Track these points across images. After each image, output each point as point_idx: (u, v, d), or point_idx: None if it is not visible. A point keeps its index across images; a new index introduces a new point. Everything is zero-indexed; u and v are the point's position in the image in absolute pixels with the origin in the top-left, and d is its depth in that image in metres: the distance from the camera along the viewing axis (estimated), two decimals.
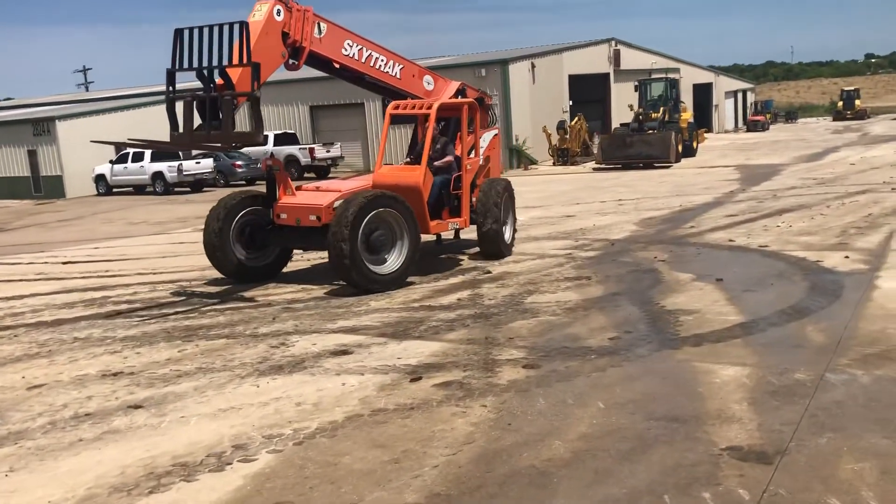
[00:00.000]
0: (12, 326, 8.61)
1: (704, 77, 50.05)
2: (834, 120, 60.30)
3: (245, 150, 32.40)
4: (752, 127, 52.17)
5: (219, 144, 9.57)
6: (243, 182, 30.34)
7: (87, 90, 51.25)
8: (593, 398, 5.36)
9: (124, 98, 38.10)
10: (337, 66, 10.74)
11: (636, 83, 31.47)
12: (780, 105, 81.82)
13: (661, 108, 29.38)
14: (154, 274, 11.67)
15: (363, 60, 11.00)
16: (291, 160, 31.40)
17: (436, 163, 11.00)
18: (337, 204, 9.87)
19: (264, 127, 11.22)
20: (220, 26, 8.88)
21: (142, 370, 6.59)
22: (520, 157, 31.12)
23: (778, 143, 36.60)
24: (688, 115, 31.79)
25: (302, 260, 11.96)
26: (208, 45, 8.96)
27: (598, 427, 4.83)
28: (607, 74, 38.13)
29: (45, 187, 31.77)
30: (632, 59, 39.41)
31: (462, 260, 11.45)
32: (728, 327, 7.02)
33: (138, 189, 30.07)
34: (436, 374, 6.06)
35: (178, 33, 9.02)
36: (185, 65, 9.17)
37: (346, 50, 10.72)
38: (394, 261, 9.72)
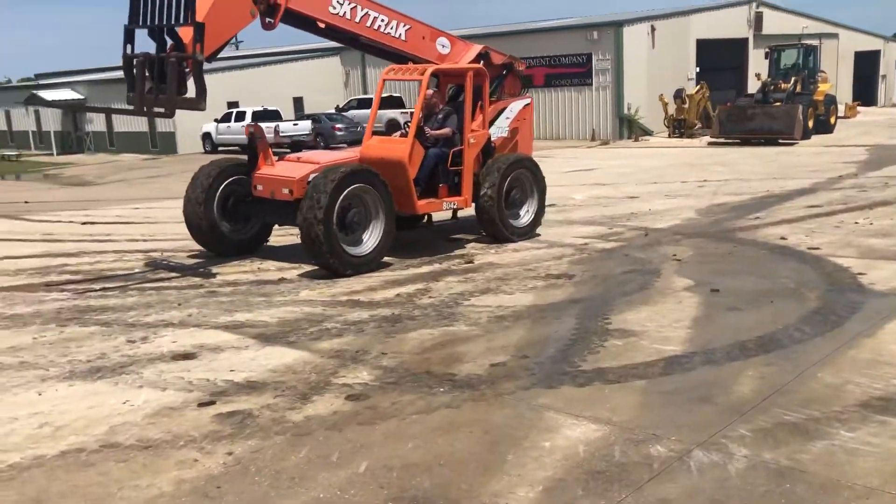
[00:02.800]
0: None
1: (870, 44, 44.59)
2: None
3: (348, 112, 32.05)
4: None
5: (163, 110, 8.79)
6: (344, 145, 30.06)
7: (237, 49, 52.94)
8: (366, 457, 4.15)
9: (245, 58, 38.85)
10: (322, 25, 9.77)
11: (766, 49, 28.16)
12: None
13: (793, 78, 26.11)
14: (147, 241, 11.30)
15: (357, 20, 9.94)
16: (393, 124, 30.76)
17: (429, 133, 9.82)
18: (312, 177, 8.97)
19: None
20: None
21: None
22: (631, 128, 28.89)
23: None
24: (826, 87, 28.04)
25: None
26: (166, 1, 8.18)
27: None
28: (745, 40, 34.53)
29: (161, 143, 33.04)
30: (777, 23, 35.45)
31: (467, 243, 10.27)
32: (650, 361, 5.51)
33: (243, 148, 30.40)
34: (236, 399, 5.04)
35: None
36: (142, 22, 8.46)
37: (334, 8, 9.69)
38: (369, 241, 8.89)
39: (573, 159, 23.18)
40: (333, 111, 32.80)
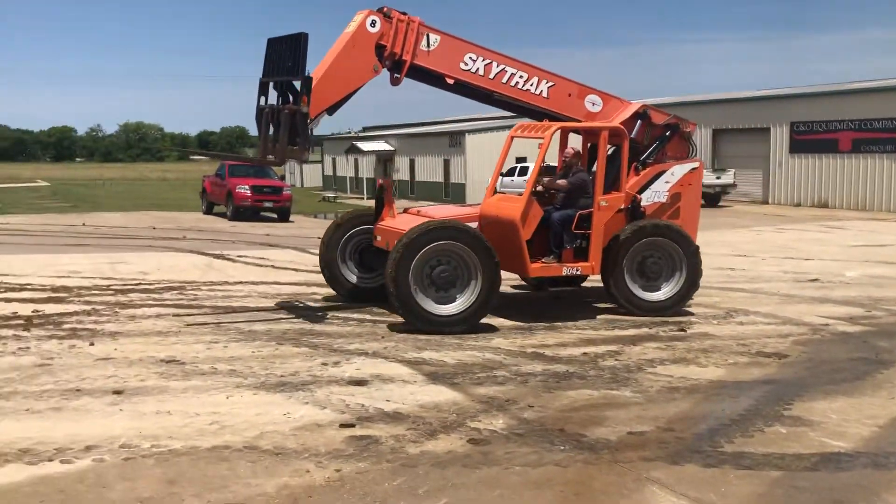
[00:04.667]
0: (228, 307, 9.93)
1: None
2: None
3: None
4: None
5: (273, 158, 9.11)
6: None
7: None
8: (449, 495, 4.34)
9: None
10: (451, 81, 9.76)
11: None
12: None
13: None
14: None
15: (491, 76, 9.82)
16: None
17: (544, 184, 9.70)
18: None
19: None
20: (294, 37, 8.63)
21: (198, 361, 7.15)
22: None
23: None
24: None
25: None
26: (292, 55, 8.70)
27: None
28: None
29: (452, 193, 35.51)
30: None
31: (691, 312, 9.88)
32: (803, 454, 5.02)
33: None
34: (373, 426, 5.48)
35: (269, 43, 8.99)
36: (271, 76, 9.09)
37: (466, 64, 9.68)
38: (463, 301, 8.63)
39: (870, 232, 20.97)
40: None
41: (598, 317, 9.45)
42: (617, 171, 9.81)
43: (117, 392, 6.17)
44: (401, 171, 39.39)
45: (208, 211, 27.33)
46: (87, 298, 10.19)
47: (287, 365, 7.10)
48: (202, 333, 8.31)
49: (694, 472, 4.74)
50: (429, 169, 37.73)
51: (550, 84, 10.03)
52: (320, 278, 10.66)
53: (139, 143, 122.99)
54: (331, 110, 9.14)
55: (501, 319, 9.18)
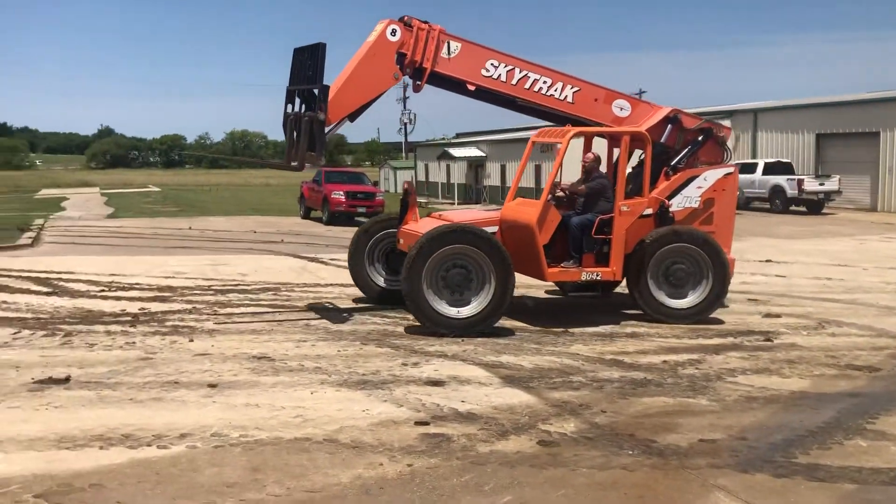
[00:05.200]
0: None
1: None
2: None
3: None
4: None
5: (295, 163, 9.33)
6: None
7: None
8: (514, 493, 4.48)
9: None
10: (472, 87, 9.86)
11: None
12: None
13: None
14: None
15: (513, 82, 9.89)
16: (777, 190, 29.14)
17: (561, 188, 9.81)
18: None
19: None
20: (314, 47, 8.90)
21: (287, 358, 7.53)
22: None
23: None
24: None
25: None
26: (312, 64, 9.02)
27: None
28: None
29: None
30: None
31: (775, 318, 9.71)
32: (882, 468, 4.92)
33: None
34: (447, 425, 5.67)
35: (295, 53, 9.27)
36: (296, 84, 9.44)
37: (487, 71, 9.79)
38: (478, 304, 8.76)
39: None
40: None
41: (682, 326, 9.36)
42: (645, 176, 9.85)
43: (212, 385, 6.59)
44: (491, 177, 39.44)
45: (306, 216, 28.23)
46: (189, 298, 10.81)
47: (369, 364, 7.39)
48: (292, 332, 8.72)
49: (763, 482, 4.73)
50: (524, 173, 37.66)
51: (576, 89, 10.07)
52: None
53: (244, 151, 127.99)
54: (352, 116, 9.49)
55: (583, 327, 9.23)
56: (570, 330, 9.03)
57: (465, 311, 8.75)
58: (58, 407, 5.97)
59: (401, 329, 8.98)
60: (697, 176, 10.08)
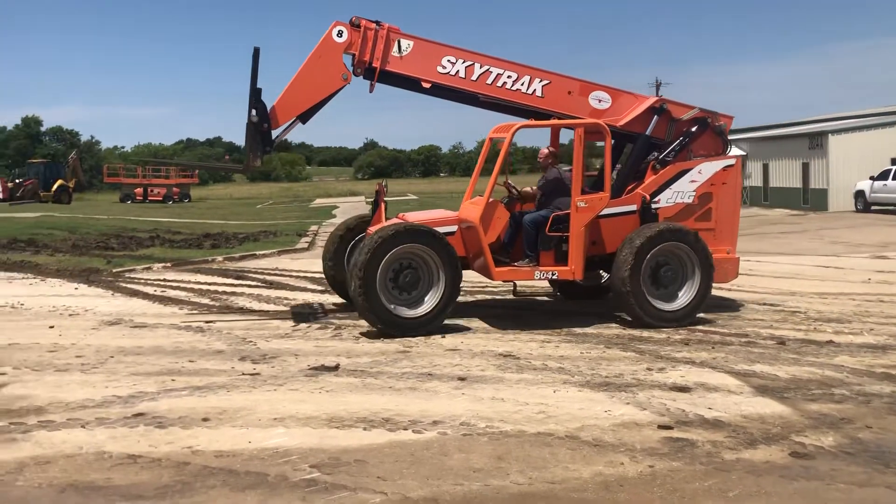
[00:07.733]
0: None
1: None
2: None
3: None
4: None
5: (240, 167, 9.63)
6: None
7: None
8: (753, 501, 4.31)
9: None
10: (427, 84, 9.53)
11: None
12: None
13: None
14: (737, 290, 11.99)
15: (474, 78, 9.54)
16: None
17: (504, 182, 9.89)
18: None
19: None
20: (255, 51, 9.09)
21: (531, 357, 7.77)
22: None
23: None
24: None
25: None
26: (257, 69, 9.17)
27: None
28: None
29: (812, 200, 32.66)
30: None
31: None
32: None
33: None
34: (691, 430, 5.56)
35: (256, 52, 9.23)
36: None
37: (444, 67, 9.50)
38: (428, 303, 8.79)
39: None
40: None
41: None
42: (628, 170, 9.63)
43: (461, 378, 7.00)
44: (752, 177, 37.14)
45: None
46: None
47: (612, 367, 7.41)
48: (537, 333, 8.97)
49: None
50: (785, 174, 35.09)
51: (545, 82, 9.66)
52: None
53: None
54: (303, 118, 9.60)
55: (850, 336, 8.55)
56: (835, 340, 8.40)
57: (418, 311, 8.81)
58: (329, 391, 6.68)
59: (647, 334, 8.87)
60: (690, 169, 9.54)
